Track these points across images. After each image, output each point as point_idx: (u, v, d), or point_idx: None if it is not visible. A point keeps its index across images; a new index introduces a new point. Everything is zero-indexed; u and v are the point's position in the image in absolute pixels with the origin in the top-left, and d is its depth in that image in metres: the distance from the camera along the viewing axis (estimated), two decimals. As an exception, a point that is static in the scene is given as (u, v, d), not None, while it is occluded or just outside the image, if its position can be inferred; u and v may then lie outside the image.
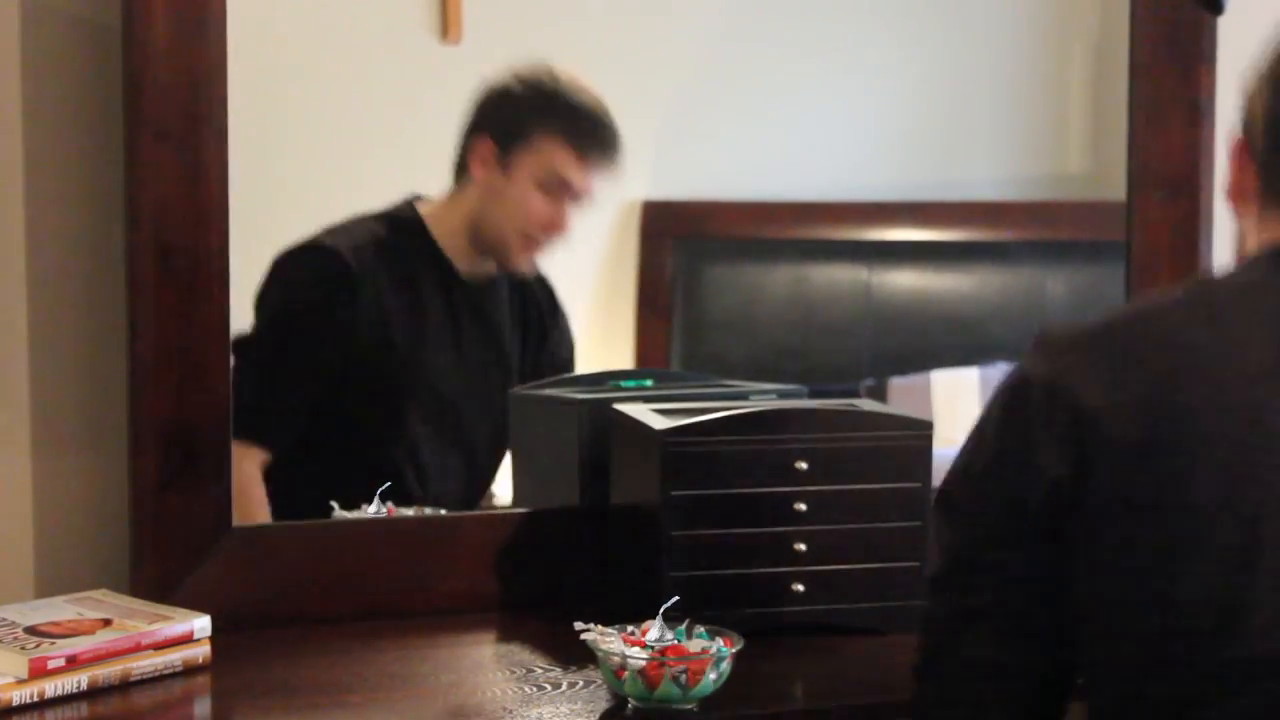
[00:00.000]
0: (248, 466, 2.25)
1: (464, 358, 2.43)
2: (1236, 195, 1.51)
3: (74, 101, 1.99)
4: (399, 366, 2.38)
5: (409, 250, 2.40)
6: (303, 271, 2.33)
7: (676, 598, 1.77)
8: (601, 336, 2.55)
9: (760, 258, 2.80)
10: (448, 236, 2.41)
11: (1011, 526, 1.45)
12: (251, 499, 2.25)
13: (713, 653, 1.70)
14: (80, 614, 1.83)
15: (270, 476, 2.28)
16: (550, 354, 2.48)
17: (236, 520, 2.00)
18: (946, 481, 1.52)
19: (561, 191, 2.38)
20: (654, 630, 1.73)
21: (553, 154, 2.38)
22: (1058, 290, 2.85)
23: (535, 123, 2.40)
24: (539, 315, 2.48)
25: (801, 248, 2.81)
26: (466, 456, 2.41)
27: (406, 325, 2.38)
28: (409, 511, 2.20)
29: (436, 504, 2.26)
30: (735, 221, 2.78)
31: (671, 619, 1.74)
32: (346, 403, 2.36)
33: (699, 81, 2.72)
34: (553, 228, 2.39)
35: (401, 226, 2.40)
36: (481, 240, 2.41)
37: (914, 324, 2.81)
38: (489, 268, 2.43)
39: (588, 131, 2.40)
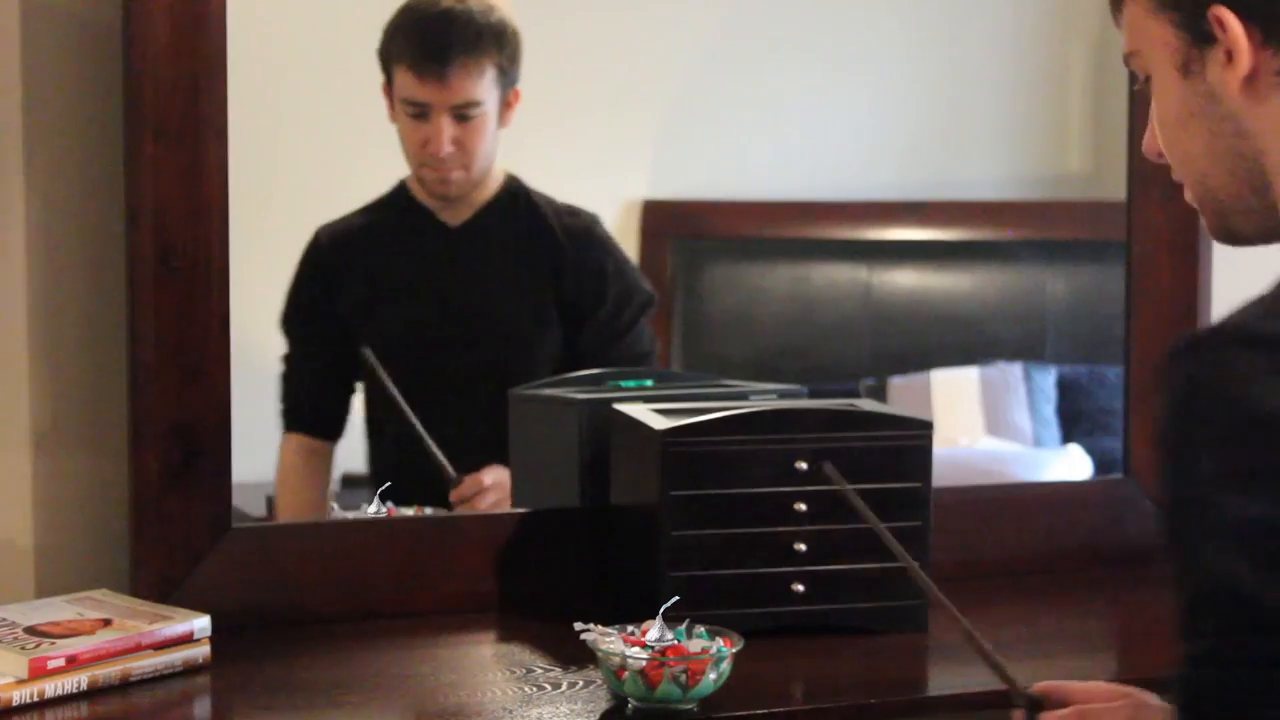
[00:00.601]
0: (287, 454, 2.39)
1: (454, 300, 2.43)
2: (1249, 88, 1.31)
3: (74, 101, 1.99)
4: (392, 326, 2.41)
5: (398, 214, 2.42)
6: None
7: (676, 598, 1.77)
8: (602, 336, 2.55)
9: (760, 258, 2.80)
10: (419, 188, 2.43)
11: None
12: (286, 484, 2.37)
13: (713, 653, 1.70)
14: (80, 614, 1.83)
15: (375, 473, 2.38)
16: (576, 288, 2.43)
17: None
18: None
19: (423, 112, 2.36)
20: (654, 630, 1.73)
21: (402, 80, 2.36)
22: (1058, 290, 2.85)
23: (391, 54, 2.38)
24: (551, 248, 2.42)
25: (801, 248, 2.82)
26: (474, 389, 2.41)
27: (393, 286, 2.41)
28: (409, 511, 2.20)
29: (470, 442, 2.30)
30: (735, 221, 2.78)
31: (671, 619, 1.74)
32: (373, 377, 2.39)
33: (699, 82, 2.72)
34: (429, 149, 2.36)
35: (392, 195, 2.44)
36: (416, 180, 2.43)
37: (914, 324, 2.81)
38: (465, 207, 2.42)
39: (416, 48, 2.36)
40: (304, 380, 2.41)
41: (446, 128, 2.35)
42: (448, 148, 2.35)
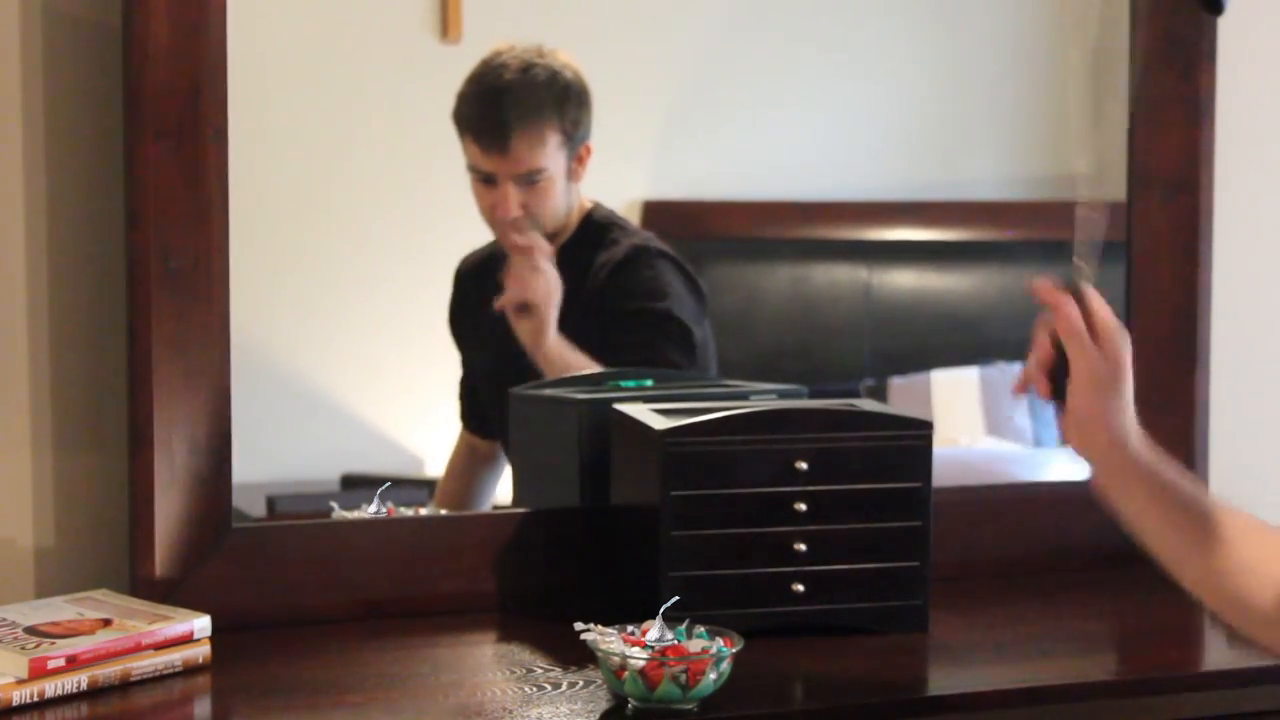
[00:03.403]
0: (454, 448, 2.48)
1: (507, 339, 2.44)
2: None
3: (74, 102, 1.99)
4: (480, 358, 2.47)
5: (504, 249, 2.45)
6: None
7: (677, 598, 1.77)
8: (602, 336, 2.54)
9: (760, 258, 2.80)
10: None
11: None
12: (447, 474, 2.47)
13: (713, 653, 1.70)
14: (80, 614, 1.84)
15: None
16: (603, 325, 2.42)
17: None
18: None
19: (488, 179, 2.38)
20: (654, 630, 1.73)
21: (468, 149, 2.40)
22: (1058, 290, 2.85)
23: (459, 122, 2.41)
24: (590, 287, 2.43)
25: (801, 248, 2.81)
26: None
27: (483, 319, 2.45)
28: (409, 511, 2.20)
29: None
30: (735, 221, 2.78)
31: (671, 619, 1.74)
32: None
33: (699, 82, 2.72)
34: (496, 213, 2.39)
35: None
36: None
37: (914, 324, 2.81)
38: None
39: (474, 118, 2.40)
40: (464, 384, 2.49)
41: (513, 194, 2.38)
42: (515, 212, 2.38)
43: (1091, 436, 1.62)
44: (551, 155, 2.39)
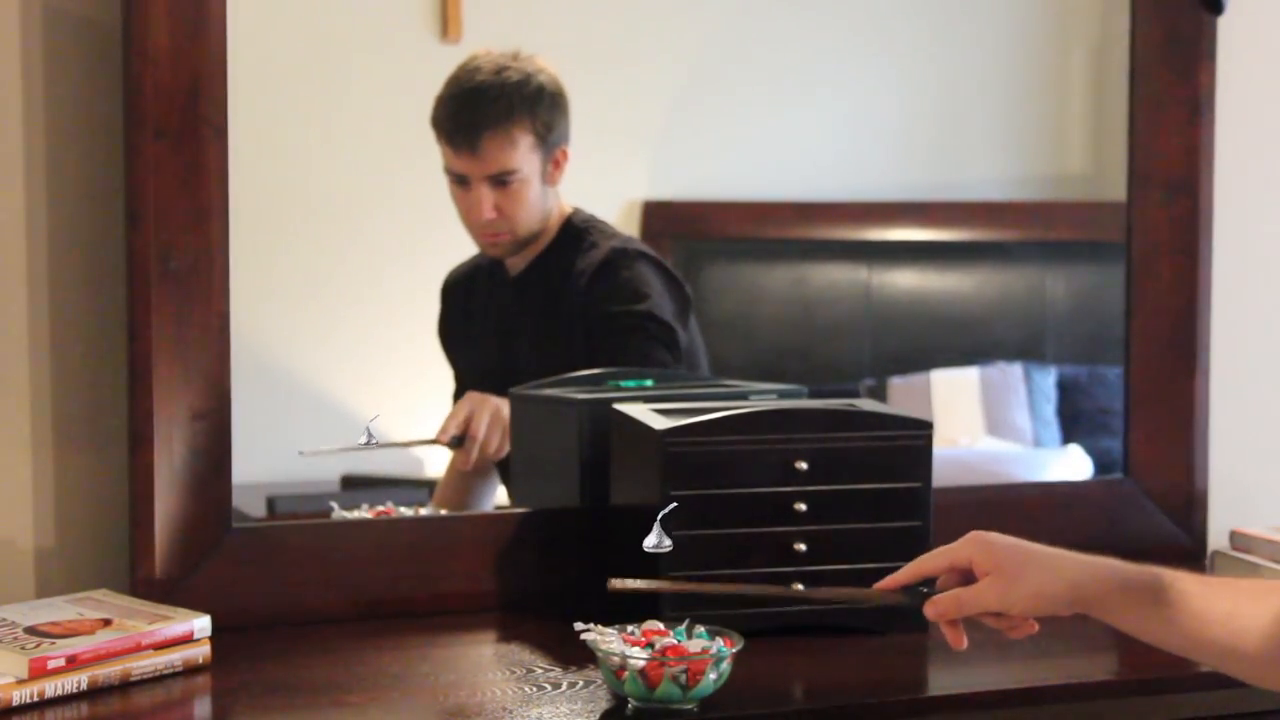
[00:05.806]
0: (452, 456, 2.42)
1: (510, 347, 2.46)
2: None
3: (74, 101, 1.99)
4: (468, 368, 2.48)
5: (488, 261, 2.47)
6: None
7: (675, 504, 1.78)
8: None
9: (760, 258, 2.80)
10: None
11: None
12: (444, 481, 2.42)
13: (713, 653, 1.70)
14: (80, 614, 1.84)
15: None
16: (589, 327, 2.43)
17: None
18: None
19: (461, 180, 2.39)
20: (653, 537, 1.73)
21: (442, 151, 2.41)
22: (1058, 290, 2.85)
23: (435, 125, 2.42)
24: (574, 291, 2.43)
25: (801, 248, 2.81)
26: None
27: (469, 329, 2.48)
28: (409, 511, 2.20)
29: None
30: (735, 221, 2.78)
31: (671, 619, 1.74)
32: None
33: (699, 82, 2.72)
34: (472, 217, 2.40)
35: None
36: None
37: (914, 324, 2.81)
38: (522, 258, 2.45)
39: (446, 120, 2.40)
40: (456, 397, 2.48)
41: (486, 196, 2.38)
42: (489, 214, 2.39)
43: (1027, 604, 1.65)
44: (524, 157, 2.39)
